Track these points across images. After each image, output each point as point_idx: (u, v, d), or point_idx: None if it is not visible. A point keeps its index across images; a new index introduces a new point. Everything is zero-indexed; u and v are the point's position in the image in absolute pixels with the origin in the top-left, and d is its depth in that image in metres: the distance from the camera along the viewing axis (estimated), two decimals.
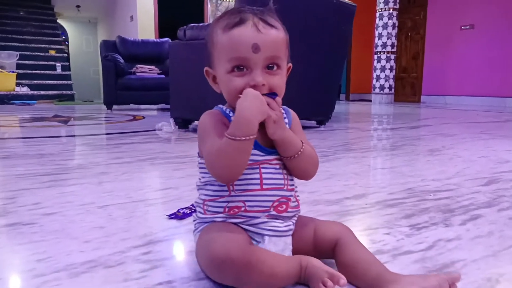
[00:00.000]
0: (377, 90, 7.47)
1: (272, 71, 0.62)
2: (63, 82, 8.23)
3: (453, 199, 1.10)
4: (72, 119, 3.96)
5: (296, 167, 0.65)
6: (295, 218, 0.68)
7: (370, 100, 7.98)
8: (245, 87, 0.61)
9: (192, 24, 2.64)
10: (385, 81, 7.37)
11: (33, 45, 8.61)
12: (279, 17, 0.65)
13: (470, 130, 2.96)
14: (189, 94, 2.68)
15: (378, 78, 7.43)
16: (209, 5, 8.29)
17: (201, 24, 2.62)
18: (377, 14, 7.28)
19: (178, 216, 0.93)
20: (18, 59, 7.64)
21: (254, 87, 0.60)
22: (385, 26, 7.17)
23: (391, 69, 7.35)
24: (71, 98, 8.05)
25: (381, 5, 7.18)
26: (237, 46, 0.60)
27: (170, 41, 3.84)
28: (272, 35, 0.62)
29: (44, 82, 7.89)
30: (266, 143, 0.64)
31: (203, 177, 0.67)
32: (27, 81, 7.54)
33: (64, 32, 11.81)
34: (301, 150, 0.64)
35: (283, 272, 0.58)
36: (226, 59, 0.62)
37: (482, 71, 7.00)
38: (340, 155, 1.84)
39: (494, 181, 1.31)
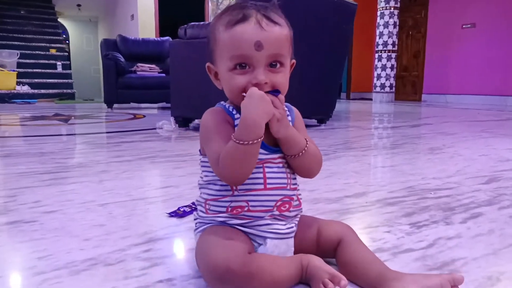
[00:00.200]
0: (378, 89, 7.46)
1: (275, 69, 0.61)
2: (64, 80, 8.24)
3: (453, 197, 1.10)
4: (72, 117, 3.96)
5: (300, 166, 0.65)
6: (297, 218, 0.68)
7: (370, 99, 7.98)
8: (247, 85, 0.60)
9: (193, 23, 2.64)
10: (386, 79, 7.36)
11: (33, 44, 8.61)
12: (283, 13, 0.64)
13: (471, 129, 2.96)
14: (189, 92, 2.68)
15: (379, 76, 7.43)
16: (209, 4, 8.28)
17: (202, 22, 2.62)
18: (378, 13, 7.27)
19: (178, 214, 0.93)
20: (19, 58, 7.64)
21: (257, 85, 0.59)
22: (386, 25, 7.16)
23: (392, 67, 7.34)
24: (71, 96, 8.06)
25: (382, 4, 7.17)
26: (239, 44, 0.59)
27: (170, 40, 3.84)
28: (275, 33, 0.60)
29: (44, 80, 7.89)
30: (270, 141, 0.63)
31: (205, 176, 0.66)
32: (27, 80, 7.55)
33: (64, 31, 11.82)
34: (305, 148, 0.63)
35: (285, 276, 0.58)
36: (228, 57, 0.61)
37: (483, 69, 6.99)
38: (340, 154, 1.84)
39: (494, 180, 1.30)
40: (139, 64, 5.56)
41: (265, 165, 0.63)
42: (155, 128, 2.80)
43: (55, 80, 8.09)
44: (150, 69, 5.59)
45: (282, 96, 0.61)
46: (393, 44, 7.25)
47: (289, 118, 0.67)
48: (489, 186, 1.23)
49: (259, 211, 0.62)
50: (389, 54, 7.26)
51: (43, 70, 8.10)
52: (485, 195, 1.12)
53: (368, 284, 0.59)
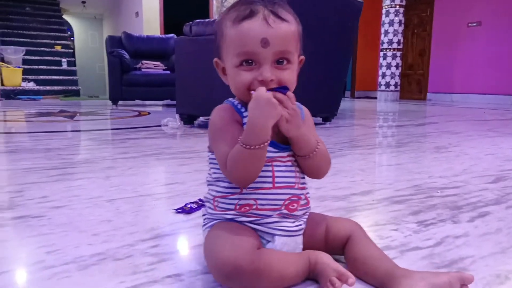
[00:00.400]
0: (382, 88, 7.43)
1: (282, 66, 0.61)
2: (69, 77, 8.27)
3: (460, 196, 1.09)
4: (78, 114, 3.98)
5: (309, 166, 0.65)
6: (306, 216, 0.68)
7: (375, 98, 7.95)
8: (253, 82, 0.60)
9: (198, 20, 2.64)
10: (391, 78, 7.33)
11: (39, 40, 8.64)
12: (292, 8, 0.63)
13: (477, 128, 2.94)
14: (194, 90, 2.68)
15: (383, 75, 7.40)
16: (214, 2, 8.27)
17: (207, 20, 2.62)
18: (384, 11, 7.23)
19: (185, 210, 0.94)
20: (24, 55, 7.68)
21: (262, 82, 0.59)
22: (391, 23, 7.13)
23: (397, 66, 7.31)
24: (76, 93, 8.09)
25: (388, 2, 7.13)
26: (246, 40, 0.59)
27: (175, 37, 3.84)
28: (283, 30, 0.59)
29: (50, 77, 7.93)
30: (279, 139, 0.63)
31: (214, 173, 0.66)
32: (33, 77, 7.59)
33: (70, 28, 11.85)
34: (317, 149, 0.63)
35: (293, 273, 0.58)
36: (235, 53, 0.61)
37: (489, 68, 6.95)
38: (346, 152, 1.84)
39: (501, 179, 1.30)
40: (143, 61, 5.57)
41: (274, 163, 0.62)
42: (160, 125, 2.81)
43: (60, 77, 8.13)
44: (154, 66, 5.60)
45: (291, 93, 0.60)
46: (398, 43, 7.22)
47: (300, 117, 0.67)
48: (496, 185, 1.22)
49: (267, 209, 0.62)
50: (394, 52, 7.23)
51: (48, 67, 8.14)
52: (492, 194, 1.11)
53: (376, 281, 0.58)
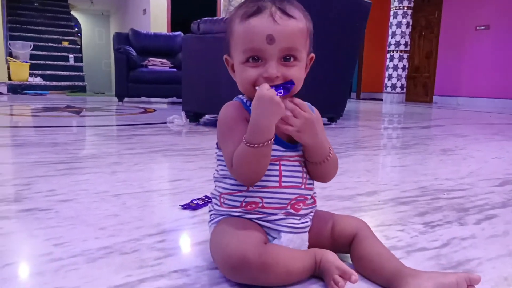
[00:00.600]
0: (388, 89, 7.41)
1: (289, 63, 0.60)
2: (75, 73, 8.31)
3: (467, 198, 1.09)
4: (84, 110, 3.99)
5: (318, 171, 0.65)
6: (312, 214, 0.68)
7: (381, 99, 7.92)
8: (258, 78, 0.60)
9: (206, 18, 2.65)
10: (397, 80, 7.31)
11: (46, 36, 8.68)
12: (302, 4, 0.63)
13: (483, 131, 2.93)
14: (201, 88, 2.69)
15: (390, 77, 7.37)
16: (221, 0, 8.27)
17: (215, 18, 2.62)
18: (391, 12, 7.21)
19: (191, 206, 0.94)
20: (31, 50, 7.71)
21: (267, 78, 0.59)
22: (399, 25, 7.11)
23: (403, 68, 7.29)
24: (82, 89, 8.13)
25: (396, 3, 7.11)
26: (252, 37, 0.59)
27: (182, 34, 3.84)
28: (289, 26, 0.59)
29: (56, 73, 7.97)
30: (288, 138, 0.63)
31: (221, 170, 0.66)
32: (40, 72, 7.63)
33: (77, 24, 11.89)
34: (329, 156, 0.63)
35: (299, 269, 0.58)
36: (241, 50, 0.61)
37: (496, 72, 6.91)
38: (351, 152, 1.84)
39: (508, 182, 1.29)
40: (150, 59, 5.58)
41: (281, 162, 0.62)
42: (166, 123, 2.82)
43: (67, 73, 8.17)
44: (161, 63, 5.61)
45: (301, 102, 0.60)
46: (406, 44, 7.19)
47: None
48: (503, 188, 1.21)
49: (273, 208, 0.62)
50: (401, 54, 7.20)
51: (55, 62, 8.18)
52: (499, 197, 1.11)
53: (383, 280, 0.58)
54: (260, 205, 0.62)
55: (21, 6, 8.96)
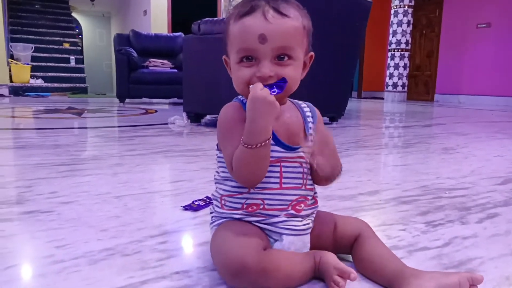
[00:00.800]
0: (390, 88, 7.40)
1: (283, 62, 0.60)
2: (77, 75, 8.32)
3: (469, 197, 1.08)
4: (85, 111, 4.00)
5: (323, 180, 0.65)
6: (314, 215, 0.67)
7: (382, 98, 7.92)
8: (251, 78, 0.59)
9: (206, 19, 2.65)
10: (398, 79, 7.30)
11: (47, 38, 8.69)
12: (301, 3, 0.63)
13: (485, 130, 2.92)
14: (202, 88, 2.69)
15: (391, 75, 7.37)
16: (222, 0, 8.28)
17: (215, 18, 2.62)
18: (392, 11, 7.20)
19: (193, 207, 0.94)
20: (33, 52, 7.73)
21: (260, 78, 0.58)
22: (399, 23, 7.10)
23: (404, 67, 7.28)
24: (84, 91, 8.14)
25: (396, 2, 7.10)
26: (244, 37, 0.59)
27: (183, 35, 3.84)
28: (282, 25, 0.58)
29: (58, 74, 7.98)
30: (288, 140, 0.63)
31: (222, 171, 0.66)
32: (41, 74, 7.64)
33: (78, 25, 11.92)
34: (339, 173, 0.63)
35: (299, 273, 0.58)
36: (236, 50, 0.61)
37: (498, 70, 6.89)
38: (352, 152, 1.83)
39: (510, 181, 1.29)
40: (151, 60, 5.59)
41: (282, 163, 0.62)
42: (167, 123, 2.82)
43: (68, 74, 8.18)
44: (162, 64, 5.62)
45: (324, 130, 0.60)
46: (407, 43, 7.18)
47: (311, 119, 0.66)
48: (505, 187, 1.21)
49: (274, 209, 0.62)
50: (402, 53, 7.19)
51: (56, 64, 8.19)
52: (501, 195, 1.11)
53: (385, 280, 0.58)
54: (261, 206, 0.62)
55: (22, 8, 8.98)
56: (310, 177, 0.66)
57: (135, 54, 5.38)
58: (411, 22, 7.15)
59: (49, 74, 7.81)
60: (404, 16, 7.07)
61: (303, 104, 0.69)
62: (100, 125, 2.97)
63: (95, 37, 12.63)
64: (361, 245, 0.63)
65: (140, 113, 3.94)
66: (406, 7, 7.05)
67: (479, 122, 3.59)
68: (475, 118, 3.99)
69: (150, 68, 5.52)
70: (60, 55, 8.47)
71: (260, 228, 0.63)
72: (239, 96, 0.67)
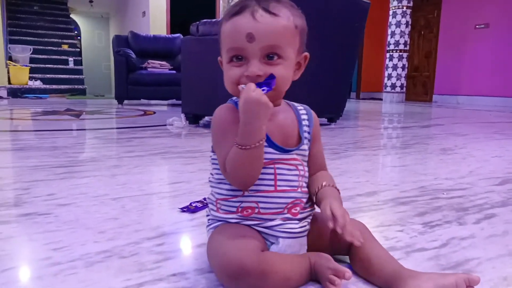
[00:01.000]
0: (388, 89, 7.41)
1: (272, 61, 0.59)
2: (75, 76, 8.32)
3: (466, 198, 1.09)
4: (84, 113, 4.00)
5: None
6: (310, 217, 0.67)
7: (381, 99, 7.92)
8: (240, 78, 0.60)
9: (205, 20, 2.65)
10: (397, 79, 7.31)
11: (46, 39, 8.70)
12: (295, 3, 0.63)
13: (483, 130, 2.92)
14: (200, 89, 2.69)
15: (389, 76, 7.38)
16: (221, 1, 8.28)
17: (214, 19, 2.63)
18: (391, 12, 7.22)
19: (190, 209, 0.94)
20: (31, 53, 7.73)
21: (249, 77, 0.58)
22: (398, 24, 7.11)
23: (403, 67, 7.29)
24: (82, 92, 8.13)
25: (395, 3, 7.12)
26: (233, 36, 0.59)
27: (181, 37, 3.84)
28: (270, 24, 0.58)
29: (56, 76, 7.98)
30: (282, 141, 0.62)
31: (216, 174, 0.66)
32: (40, 75, 7.64)
33: (76, 27, 11.91)
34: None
35: (297, 275, 0.58)
36: (226, 49, 0.61)
37: (496, 71, 6.91)
38: (351, 153, 1.83)
39: (508, 181, 1.29)
40: (150, 61, 5.59)
41: (276, 165, 0.62)
42: (165, 125, 2.82)
43: (67, 76, 8.18)
44: (160, 65, 5.62)
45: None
46: (405, 44, 7.19)
47: (307, 122, 0.66)
48: (503, 187, 1.21)
49: (269, 213, 0.62)
50: (400, 53, 7.20)
51: (55, 66, 8.19)
52: (499, 196, 1.11)
53: (382, 282, 0.58)
54: (256, 210, 0.62)
55: (20, 10, 8.98)
56: (305, 180, 0.66)
57: (133, 55, 5.38)
58: (410, 23, 7.16)
59: (48, 75, 7.81)
60: (402, 16, 7.08)
61: (299, 107, 0.69)
62: (98, 127, 2.96)
63: (94, 39, 12.63)
64: (358, 247, 0.62)
65: (139, 114, 3.93)
66: (405, 8, 7.07)
67: (477, 122, 3.59)
68: (474, 118, 3.99)
69: (149, 69, 5.52)
70: (58, 57, 8.47)
71: (257, 231, 0.62)
72: (233, 98, 0.67)
